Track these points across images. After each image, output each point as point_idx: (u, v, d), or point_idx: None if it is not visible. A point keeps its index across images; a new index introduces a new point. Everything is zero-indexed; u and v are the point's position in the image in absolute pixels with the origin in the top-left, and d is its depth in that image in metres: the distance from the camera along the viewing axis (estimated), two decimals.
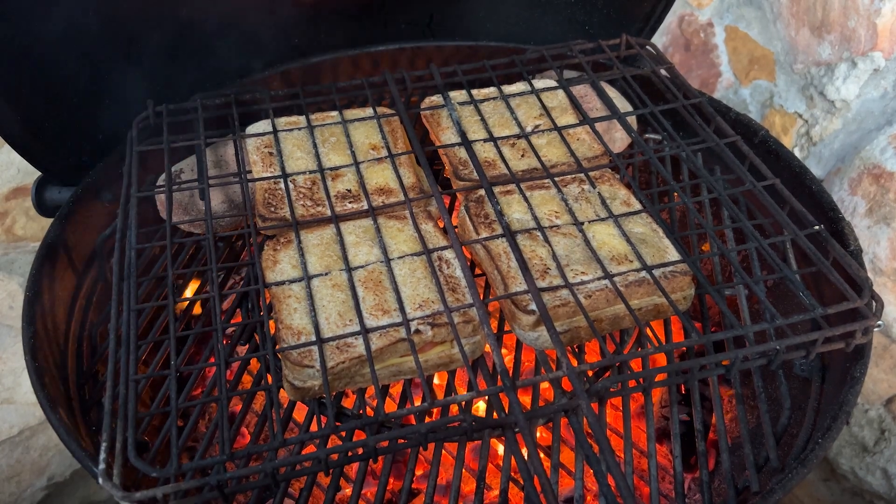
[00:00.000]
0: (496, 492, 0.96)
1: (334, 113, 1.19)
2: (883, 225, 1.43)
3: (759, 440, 0.93)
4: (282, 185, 1.06)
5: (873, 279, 1.44)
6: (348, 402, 1.25)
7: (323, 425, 0.81)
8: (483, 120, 1.16)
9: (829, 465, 1.67)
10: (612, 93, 1.27)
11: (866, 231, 1.45)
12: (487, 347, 0.96)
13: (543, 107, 1.19)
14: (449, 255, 0.96)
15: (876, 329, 0.90)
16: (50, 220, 1.13)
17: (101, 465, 0.71)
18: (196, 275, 1.20)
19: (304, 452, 0.83)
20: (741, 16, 1.80)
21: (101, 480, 0.70)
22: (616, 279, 0.90)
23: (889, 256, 1.42)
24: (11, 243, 1.70)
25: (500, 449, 1.20)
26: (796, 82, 1.68)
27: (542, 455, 1.08)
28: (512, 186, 1.06)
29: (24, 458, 1.74)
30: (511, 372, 1.01)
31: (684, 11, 1.90)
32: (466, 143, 1.07)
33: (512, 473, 1.04)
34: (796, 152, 1.69)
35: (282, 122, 1.17)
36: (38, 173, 1.23)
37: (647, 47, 1.29)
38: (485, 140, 1.13)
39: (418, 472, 1.19)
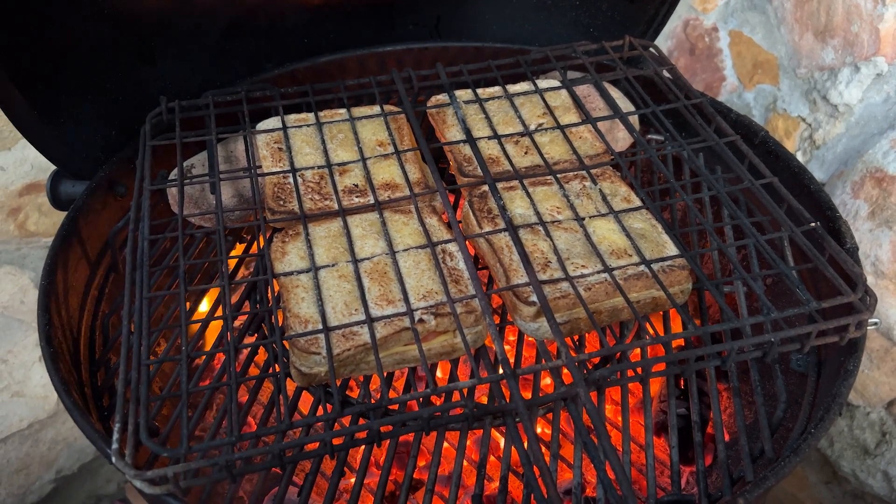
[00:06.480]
0: (497, 483, 0.98)
1: (342, 110, 1.21)
2: (885, 228, 1.44)
3: (756, 433, 0.95)
4: (291, 180, 1.08)
5: (875, 282, 1.45)
6: (353, 394, 1.27)
7: (328, 412, 0.83)
8: (488, 118, 1.19)
9: (830, 468, 1.67)
10: (615, 93, 1.29)
11: (868, 234, 1.46)
12: (489, 340, 0.98)
13: (547, 106, 1.21)
14: (452, 248, 0.99)
15: (871, 327, 0.92)
16: (63, 214, 1.16)
17: (115, 445, 0.73)
18: (206, 267, 1.22)
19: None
20: (745, 20, 1.82)
21: (113, 459, 0.72)
22: (615, 272, 0.92)
23: (891, 259, 1.43)
24: (24, 238, 1.73)
25: (502, 442, 1.22)
26: (800, 86, 1.70)
27: (542, 448, 1.10)
28: (515, 182, 1.08)
29: (32, 451, 1.76)
30: (512, 362, 1.03)
31: (689, 16, 1.92)
32: (471, 140, 1.09)
33: (512, 465, 1.06)
34: (799, 156, 1.70)
35: (291, 118, 1.20)
36: (52, 169, 1.26)
37: (650, 49, 1.31)
38: (489, 137, 1.15)
39: (420, 463, 1.21)
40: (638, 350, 1.08)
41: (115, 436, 0.74)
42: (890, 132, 1.48)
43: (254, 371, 1.10)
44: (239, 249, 1.29)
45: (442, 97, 1.25)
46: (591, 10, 1.51)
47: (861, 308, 0.85)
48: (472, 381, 0.79)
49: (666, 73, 1.26)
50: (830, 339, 0.86)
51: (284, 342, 0.88)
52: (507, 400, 0.89)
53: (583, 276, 0.92)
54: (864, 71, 1.54)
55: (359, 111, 1.22)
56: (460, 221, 1.08)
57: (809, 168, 1.59)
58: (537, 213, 1.01)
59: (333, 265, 0.96)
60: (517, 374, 0.79)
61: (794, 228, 0.95)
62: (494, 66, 1.28)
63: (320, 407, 0.96)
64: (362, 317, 0.88)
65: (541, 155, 1.10)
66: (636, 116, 1.25)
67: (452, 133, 1.19)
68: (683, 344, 1.18)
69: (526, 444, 0.78)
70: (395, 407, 1.03)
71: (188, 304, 1.14)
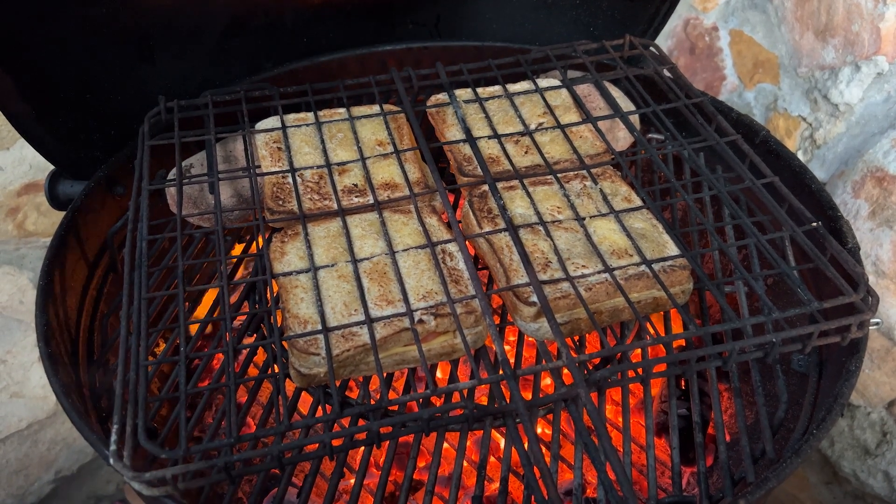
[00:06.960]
0: (497, 484, 0.97)
1: (342, 110, 1.21)
2: (886, 228, 1.44)
3: (757, 434, 0.94)
4: (290, 180, 1.08)
5: (876, 282, 1.45)
6: (353, 395, 1.27)
7: (328, 413, 0.83)
8: (488, 118, 1.18)
9: (831, 469, 1.67)
10: (616, 92, 1.28)
11: (869, 234, 1.46)
12: (489, 341, 0.97)
13: (547, 105, 1.20)
14: (452, 248, 0.98)
15: (873, 327, 0.91)
16: (61, 214, 1.16)
17: (113, 447, 0.73)
18: (204, 268, 1.22)
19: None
20: (746, 19, 1.82)
21: (111, 461, 0.72)
22: (616, 272, 0.92)
23: (892, 259, 1.43)
24: (22, 238, 1.73)
25: (502, 443, 1.22)
26: (800, 86, 1.69)
27: (543, 449, 1.10)
28: (515, 182, 1.08)
29: (32, 451, 1.76)
30: (512, 363, 1.03)
31: (689, 15, 1.92)
32: (471, 139, 1.09)
33: (513, 466, 1.06)
34: (800, 155, 1.70)
35: (290, 118, 1.19)
36: (50, 169, 1.25)
37: (651, 48, 1.30)
38: (489, 137, 1.15)
39: (420, 464, 1.20)
40: (639, 350, 1.08)
41: (114, 437, 0.74)
42: (891, 131, 1.48)
43: (253, 372, 1.10)
44: (238, 249, 1.28)
45: (442, 96, 1.24)
46: (591, 10, 1.51)
47: (863, 308, 0.85)
48: (473, 381, 0.79)
49: (666, 73, 1.25)
50: (832, 340, 0.86)
51: (283, 343, 0.87)
52: (508, 401, 0.88)
53: (583, 276, 0.92)
54: (865, 70, 1.54)
55: (358, 111, 1.21)
56: (460, 221, 1.08)
57: (810, 167, 1.58)
58: (537, 213, 1.01)
59: (333, 265, 0.95)
60: (517, 375, 0.79)
61: (796, 228, 0.94)
62: (494, 65, 1.28)
63: (320, 408, 0.95)
64: (362, 317, 0.88)
65: (541, 154, 1.10)
66: (637, 116, 1.24)
67: (452, 132, 1.18)
68: (684, 344, 1.18)
69: (526, 445, 0.77)
70: (395, 408, 1.03)
71: (186, 304, 1.14)
